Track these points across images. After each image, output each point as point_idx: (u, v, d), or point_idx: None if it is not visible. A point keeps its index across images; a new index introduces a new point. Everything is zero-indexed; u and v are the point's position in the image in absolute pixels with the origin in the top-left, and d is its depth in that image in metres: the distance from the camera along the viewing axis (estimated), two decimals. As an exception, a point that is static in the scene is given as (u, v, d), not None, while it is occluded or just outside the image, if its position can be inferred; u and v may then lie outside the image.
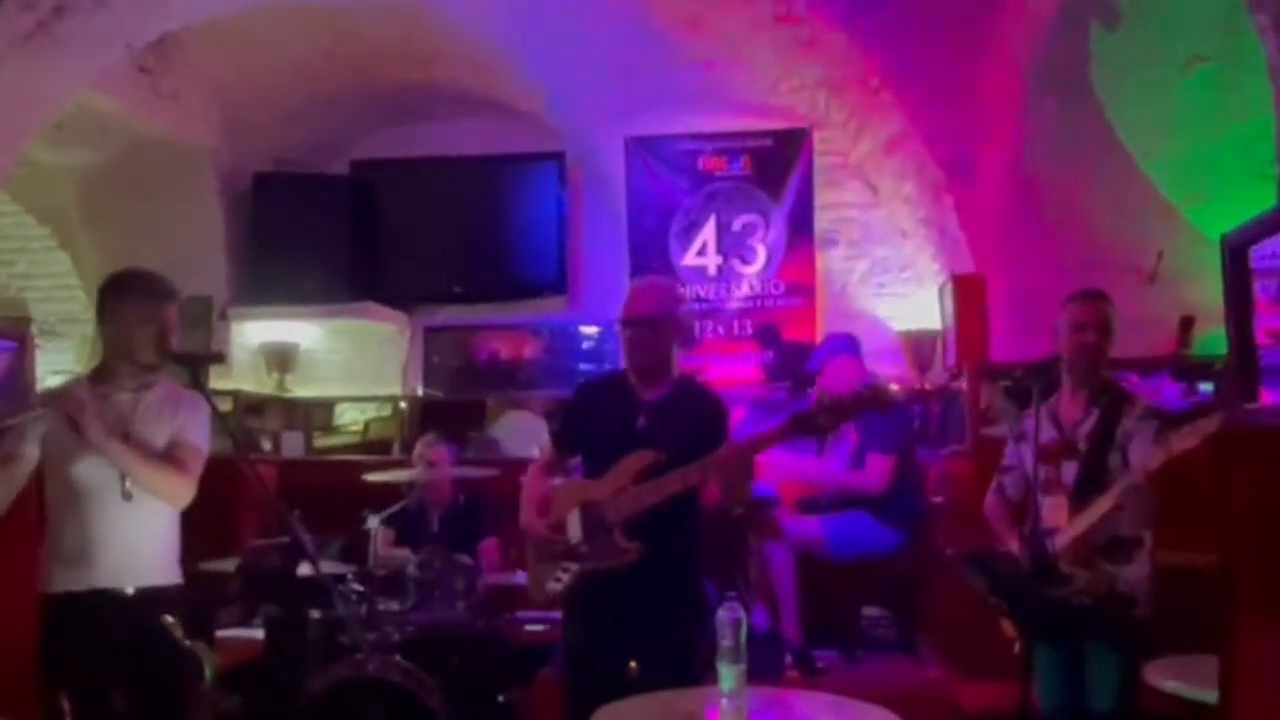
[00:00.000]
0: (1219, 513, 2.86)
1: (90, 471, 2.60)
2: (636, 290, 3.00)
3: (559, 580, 2.87)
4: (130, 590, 2.63)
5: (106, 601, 2.60)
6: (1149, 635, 2.87)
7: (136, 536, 2.65)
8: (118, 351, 2.70)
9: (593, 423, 3.00)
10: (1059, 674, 2.93)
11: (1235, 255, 2.93)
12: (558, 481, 3.12)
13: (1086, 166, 5.24)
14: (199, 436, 2.74)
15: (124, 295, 2.69)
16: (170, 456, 2.66)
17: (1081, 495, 2.85)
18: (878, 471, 4.29)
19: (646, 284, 3.08)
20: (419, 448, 4.57)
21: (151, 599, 2.63)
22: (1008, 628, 3.00)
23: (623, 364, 2.99)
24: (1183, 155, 5.12)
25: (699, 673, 2.82)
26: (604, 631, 2.86)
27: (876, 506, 4.27)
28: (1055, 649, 2.93)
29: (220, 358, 3.77)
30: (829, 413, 2.73)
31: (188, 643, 2.43)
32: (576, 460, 3.14)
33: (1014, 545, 2.98)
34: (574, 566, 2.86)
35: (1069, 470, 2.92)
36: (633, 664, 2.81)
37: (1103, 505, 2.77)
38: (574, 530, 2.88)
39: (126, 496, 2.60)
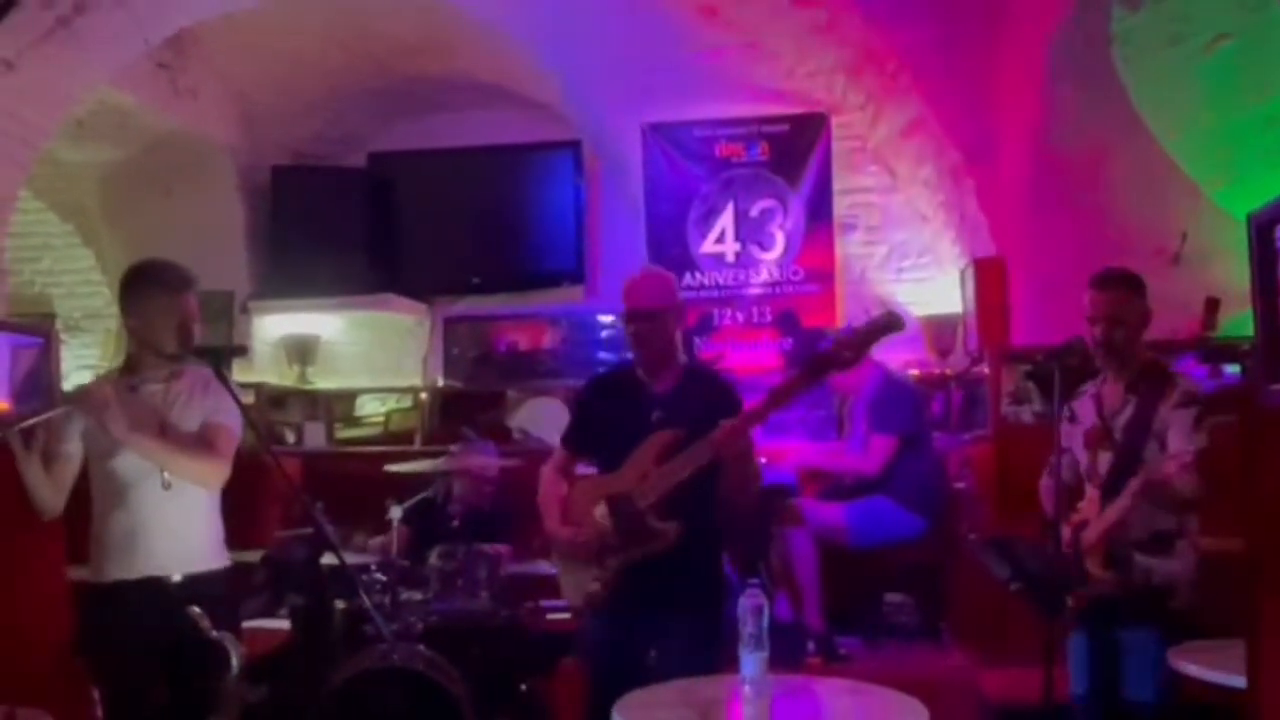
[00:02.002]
0: (1244, 495, 2.83)
1: (130, 463, 2.64)
2: (634, 283, 2.97)
3: (598, 580, 2.83)
4: (178, 578, 2.68)
5: (155, 589, 2.65)
6: (1189, 626, 2.79)
7: (180, 524, 2.69)
8: (143, 343, 2.73)
9: (605, 420, 2.99)
10: (1090, 660, 2.88)
11: (1261, 234, 2.88)
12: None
13: (1108, 148, 5.16)
14: (230, 418, 2.77)
15: (144, 287, 2.72)
16: (202, 440, 2.70)
17: (1114, 488, 2.79)
18: (875, 451, 4.27)
19: (644, 276, 3.04)
20: (459, 445, 4.56)
21: (198, 585, 2.67)
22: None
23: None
24: (1206, 135, 5.03)
25: (721, 658, 2.83)
26: (626, 622, 2.84)
27: (898, 492, 4.26)
28: (1088, 635, 2.88)
29: (243, 351, 3.82)
30: (849, 345, 2.66)
31: (214, 634, 2.45)
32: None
33: (1065, 531, 2.85)
34: (612, 564, 2.81)
35: (1104, 460, 2.86)
36: (652, 653, 2.80)
37: (1121, 503, 2.71)
38: (602, 527, 2.84)
39: (166, 486, 2.64)
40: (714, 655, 2.82)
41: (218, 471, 2.71)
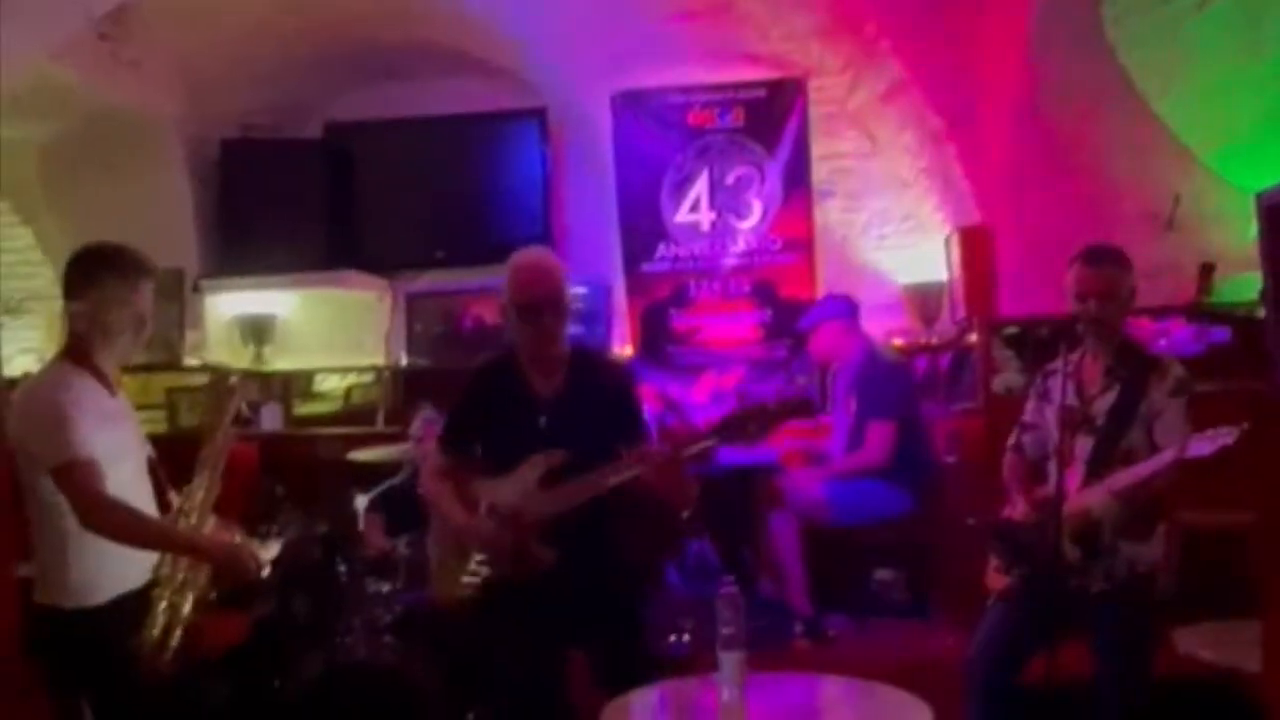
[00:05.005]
0: (1253, 473, 2.76)
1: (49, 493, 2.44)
2: (537, 270, 2.72)
3: (475, 576, 2.69)
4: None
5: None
6: (1169, 612, 2.82)
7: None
8: (94, 336, 2.53)
9: (487, 419, 2.79)
10: (1012, 632, 2.85)
11: (1272, 213, 2.88)
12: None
13: (1097, 111, 5.04)
14: None
15: (96, 271, 2.53)
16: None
17: (1095, 472, 2.75)
18: (878, 441, 4.23)
19: (544, 262, 2.77)
20: (416, 422, 4.38)
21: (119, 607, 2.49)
22: (993, 579, 2.91)
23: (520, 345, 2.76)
24: (1197, 97, 4.93)
25: (646, 643, 2.83)
26: (537, 630, 2.67)
27: (885, 470, 4.19)
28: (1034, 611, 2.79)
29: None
30: (756, 419, 2.64)
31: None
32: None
33: (1020, 508, 2.89)
34: (484, 570, 2.68)
35: (1083, 445, 2.80)
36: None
37: (1097, 496, 2.67)
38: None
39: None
40: (643, 646, 2.80)
41: None
